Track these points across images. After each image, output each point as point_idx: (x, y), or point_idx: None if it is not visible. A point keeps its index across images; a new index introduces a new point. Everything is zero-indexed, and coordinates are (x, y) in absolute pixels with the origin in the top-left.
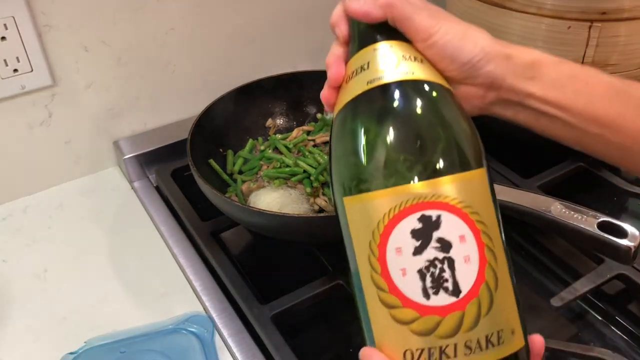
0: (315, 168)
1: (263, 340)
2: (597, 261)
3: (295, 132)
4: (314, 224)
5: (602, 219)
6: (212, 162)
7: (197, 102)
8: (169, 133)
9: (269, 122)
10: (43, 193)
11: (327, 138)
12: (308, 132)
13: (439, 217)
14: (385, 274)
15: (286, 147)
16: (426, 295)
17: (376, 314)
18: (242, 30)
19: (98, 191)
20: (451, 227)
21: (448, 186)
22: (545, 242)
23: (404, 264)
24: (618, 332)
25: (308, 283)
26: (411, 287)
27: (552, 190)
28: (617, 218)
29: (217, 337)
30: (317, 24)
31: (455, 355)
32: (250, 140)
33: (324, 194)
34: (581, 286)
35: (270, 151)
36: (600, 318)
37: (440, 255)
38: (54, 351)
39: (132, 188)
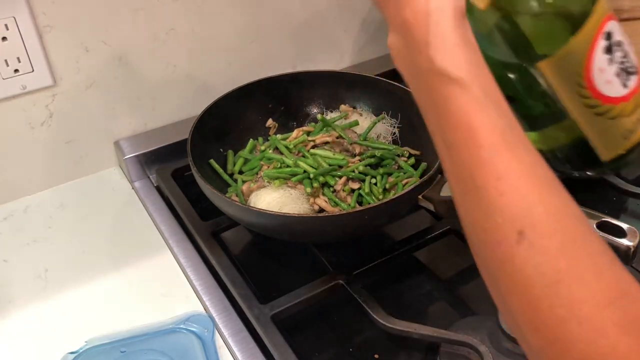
0: (315, 168)
1: (263, 339)
2: None
3: (295, 133)
4: (314, 224)
5: (601, 219)
6: (212, 162)
7: (197, 102)
8: (170, 133)
9: (269, 122)
10: (44, 193)
11: (327, 138)
12: (308, 133)
13: None
14: None
15: (286, 147)
16: None
17: None
18: (242, 30)
19: (99, 191)
20: None
21: None
22: None
23: None
24: None
25: (308, 283)
26: None
27: None
28: (617, 218)
29: (217, 337)
30: (318, 24)
31: None
32: (251, 141)
33: (324, 194)
34: None
35: (270, 151)
36: None
37: None
38: (54, 351)
39: (133, 188)
